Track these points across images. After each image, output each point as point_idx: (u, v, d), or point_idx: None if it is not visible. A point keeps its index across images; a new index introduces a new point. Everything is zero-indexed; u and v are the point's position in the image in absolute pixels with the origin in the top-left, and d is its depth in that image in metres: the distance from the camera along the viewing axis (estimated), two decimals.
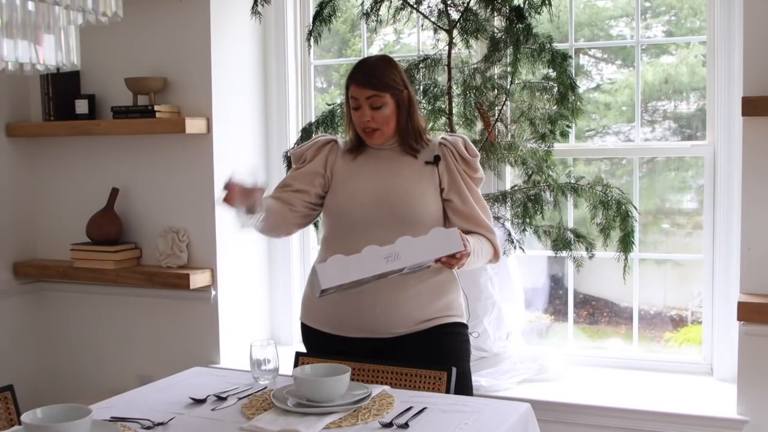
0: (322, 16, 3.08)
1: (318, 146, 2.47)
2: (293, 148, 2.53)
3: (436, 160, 2.37)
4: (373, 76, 2.33)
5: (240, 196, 2.16)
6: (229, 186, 2.16)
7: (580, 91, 3.06)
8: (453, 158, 2.37)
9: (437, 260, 2.14)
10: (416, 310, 2.33)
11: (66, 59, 1.88)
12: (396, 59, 2.46)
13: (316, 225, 3.00)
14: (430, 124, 3.04)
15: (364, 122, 2.34)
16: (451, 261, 2.15)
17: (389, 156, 2.40)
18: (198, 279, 3.41)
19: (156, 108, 3.37)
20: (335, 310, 2.37)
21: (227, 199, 2.16)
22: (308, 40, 3.14)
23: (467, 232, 2.28)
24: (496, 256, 2.40)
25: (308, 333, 2.49)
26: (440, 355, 2.32)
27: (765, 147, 2.67)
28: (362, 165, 2.41)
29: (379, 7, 3.06)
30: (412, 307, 2.32)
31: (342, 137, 2.58)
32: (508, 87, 3.04)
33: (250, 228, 2.30)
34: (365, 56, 2.44)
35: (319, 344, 2.44)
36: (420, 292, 2.33)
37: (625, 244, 2.90)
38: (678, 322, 3.34)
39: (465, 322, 2.44)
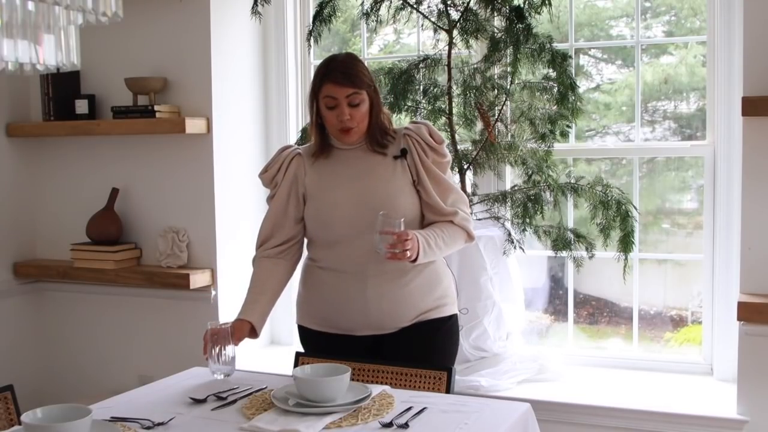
0: (322, 16, 3.08)
1: (285, 165, 2.43)
2: (263, 169, 2.50)
3: (403, 153, 2.35)
4: (351, 73, 2.29)
5: (215, 340, 2.24)
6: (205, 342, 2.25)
7: (580, 91, 3.06)
8: (419, 148, 2.34)
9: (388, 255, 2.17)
10: (418, 301, 2.35)
11: (66, 59, 1.88)
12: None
13: None
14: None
15: (344, 121, 2.30)
16: (398, 255, 2.17)
17: (359, 156, 2.38)
18: (198, 279, 3.41)
19: (156, 108, 3.37)
20: (330, 307, 2.39)
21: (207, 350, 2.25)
22: (308, 40, 3.14)
23: (432, 223, 2.34)
24: (469, 237, 2.40)
25: (305, 334, 2.50)
26: (431, 355, 2.34)
27: (765, 147, 2.66)
28: (334, 171, 2.38)
29: (379, 7, 3.07)
30: (415, 299, 2.35)
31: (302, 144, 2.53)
32: (508, 87, 3.04)
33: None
34: (332, 54, 2.41)
35: (317, 344, 2.45)
36: (420, 283, 2.35)
37: (625, 244, 2.90)
38: (678, 322, 3.33)
39: (456, 310, 2.47)
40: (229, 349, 2.23)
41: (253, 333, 2.35)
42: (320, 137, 2.39)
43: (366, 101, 2.31)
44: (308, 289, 2.47)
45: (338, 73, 2.28)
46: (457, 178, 2.45)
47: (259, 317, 2.38)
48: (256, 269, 2.49)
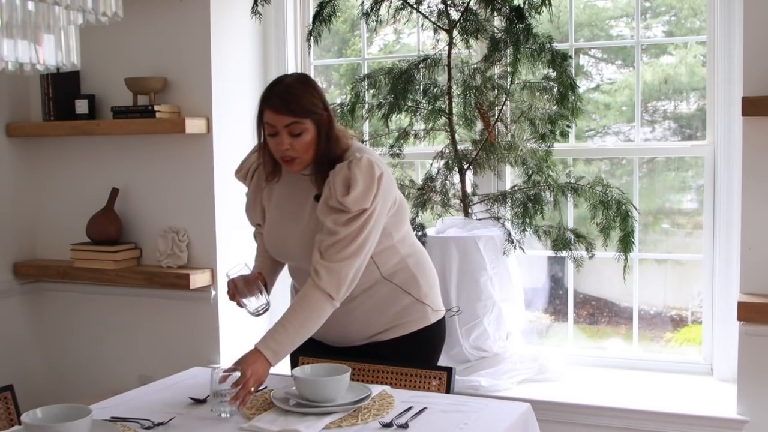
0: (322, 16, 3.09)
1: (251, 173, 2.41)
2: (237, 168, 2.47)
3: (316, 199, 2.20)
4: (291, 100, 2.12)
5: (244, 288, 2.25)
6: (230, 286, 2.27)
7: (580, 91, 3.06)
8: (328, 194, 2.15)
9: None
10: (364, 326, 2.34)
11: (66, 59, 1.88)
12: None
13: None
14: (430, 124, 3.05)
15: (282, 151, 2.16)
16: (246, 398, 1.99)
17: (302, 186, 2.25)
18: (198, 279, 3.41)
19: (156, 108, 3.37)
20: None
21: (233, 297, 2.26)
22: (308, 40, 3.14)
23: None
24: (329, 298, 2.12)
25: None
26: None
27: (765, 147, 2.67)
28: (281, 195, 2.33)
29: (379, 7, 3.07)
30: (360, 325, 2.33)
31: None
32: (508, 87, 3.04)
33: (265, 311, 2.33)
34: (281, 75, 2.28)
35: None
36: (367, 310, 2.31)
37: (625, 244, 2.90)
38: (678, 322, 3.33)
39: (431, 321, 2.37)
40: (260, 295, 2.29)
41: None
42: (271, 161, 2.26)
43: (310, 131, 2.15)
44: None
45: (277, 100, 2.13)
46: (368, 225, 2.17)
47: (269, 271, 2.42)
48: (258, 241, 2.54)
